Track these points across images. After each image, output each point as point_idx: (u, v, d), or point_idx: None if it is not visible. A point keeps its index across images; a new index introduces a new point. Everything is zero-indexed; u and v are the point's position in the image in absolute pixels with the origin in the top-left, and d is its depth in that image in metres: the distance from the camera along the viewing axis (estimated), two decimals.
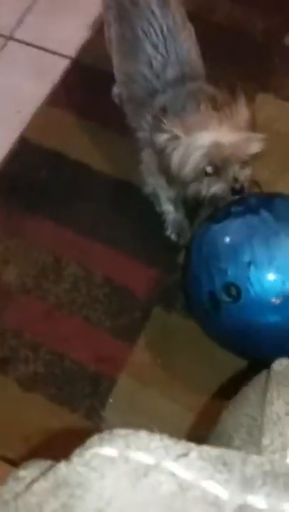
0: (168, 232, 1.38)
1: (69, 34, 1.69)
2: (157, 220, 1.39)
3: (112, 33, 1.30)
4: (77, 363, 1.28)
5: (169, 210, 1.36)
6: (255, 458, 0.34)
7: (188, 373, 1.24)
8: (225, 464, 0.33)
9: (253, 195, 1.16)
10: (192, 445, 0.35)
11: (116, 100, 1.54)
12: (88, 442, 0.35)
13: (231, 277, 1.04)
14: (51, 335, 1.31)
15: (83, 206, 1.46)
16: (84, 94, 1.61)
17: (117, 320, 1.32)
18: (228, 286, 1.05)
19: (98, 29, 1.68)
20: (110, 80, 1.48)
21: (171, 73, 1.18)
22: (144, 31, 1.19)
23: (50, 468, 0.34)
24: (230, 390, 0.67)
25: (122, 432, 0.36)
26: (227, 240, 1.09)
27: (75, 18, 1.72)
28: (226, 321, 1.10)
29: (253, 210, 1.07)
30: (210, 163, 1.07)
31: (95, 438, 0.35)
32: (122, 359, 1.28)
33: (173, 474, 0.33)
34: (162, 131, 1.08)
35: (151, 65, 1.19)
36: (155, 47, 1.18)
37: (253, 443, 0.47)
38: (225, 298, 1.06)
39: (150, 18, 1.19)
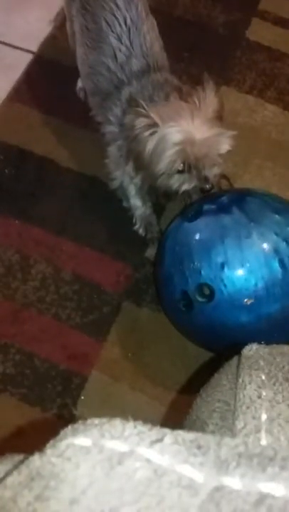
0: (136, 227, 1.38)
1: (31, 28, 1.67)
2: (124, 215, 1.38)
3: (75, 25, 1.29)
4: (48, 361, 1.26)
5: (136, 204, 1.35)
6: (229, 440, 0.34)
7: (159, 366, 1.25)
8: (199, 447, 0.33)
9: (224, 192, 1.16)
10: (166, 430, 0.35)
11: (80, 95, 1.52)
12: (62, 433, 0.35)
13: (205, 278, 1.04)
14: (20, 335, 1.29)
15: (50, 203, 1.44)
16: (47, 89, 1.59)
17: (87, 316, 1.31)
18: (201, 287, 1.05)
19: (60, 23, 1.66)
20: (74, 74, 1.46)
21: (135, 64, 1.18)
22: (107, 23, 1.18)
23: (24, 461, 0.34)
24: (200, 382, 0.67)
25: (96, 421, 0.36)
26: (200, 239, 1.08)
27: (37, 12, 1.69)
28: (198, 320, 1.10)
29: (225, 209, 1.08)
30: (182, 161, 1.07)
31: (69, 429, 0.35)
32: (93, 355, 1.27)
33: (148, 460, 0.33)
34: (140, 115, 1.07)
35: (115, 56, 1.18)
36: (119, 38, 1.18)
37: (227, 427, 0.47)
38: (198, 298, 1.06)
39: (114, 9, 1.18)
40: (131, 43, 1.18)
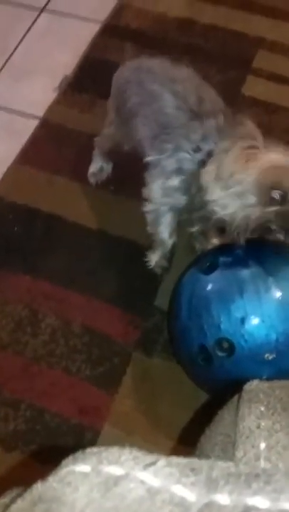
0: (151, 264, 1.35)
1: (37, 95, 1.77)
2: (131, 265, 1.41)
3: (127, 98, 1.27)
4: (59, 416, 1.24)
5: (164, 237, 1.30)
6: (221, 463, 0.35)
7: (173, 418, 1.21)
8: (193, 469, 0.34)
9: (239, 244, 1.11)
10: (161, 456, 0.36)
11: (91, 180, 1.56)
12: (63, 462, 0.36)
13: (224, 332, 1.02)
14: (31, 390, 1.28)
15: (58, 257, 1.47)
16: (53, 151, 1.67)
17: (97, 368, 1.30)
18: (220, 341, 1.03)
19: (64, 90, 1.77)
20: (77, 136, 1.54)
21: (210, 107, 1.15)
22: (169, 79, 1.19)
23: (27, 489, 0.35)
24: None
25: (95, 449, 0.37)
26: (218, 293, 1.06)
27: (42, 81, 1.81)
28: (218, 374, 1.07)
29: (242, 262, 1.06)
30: (280, 188, 0.96)
31: (70, 458, 0.37)
32: (105, 408, 1.25)
33: (142, 482, 0.35)
34: (245, 134, 1.02)
35: (186, 100, 1.15)
36: (185, 88, 1.16)
37: (228, 458, 0.47)
38: (218, 352, 1.04)
39: (169, 72, 1.21)
40: (197, 92, 1.16)
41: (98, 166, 1.55)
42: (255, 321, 1.01)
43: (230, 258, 1.09)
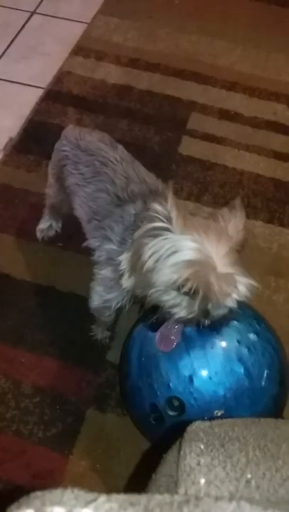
0: (97, 337, 1.39)
1: None
2: (80, 320, 1.41)
3: (67, 183, 1.30)
4: (11, 483, 1.19)
5: (107, 320, 1.33)
6: (159, 496, 0.37)
7: (129, 474, 1.19)
8: (131, 503, 0.36)
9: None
10: (102, 494, 0.38)
11: (38, 235, 1.58)
12: (8, 509, 0.37)
13: (174, 391, 1.03)
14: None
15: (6, 316, 1.45)
16: (1, 210, 1.68)
17: (50, 430, 1.27)
18: (170, 400, 1.04)
19: (10, 151, 1.81)
20: (23, 195, 1.57)
21: (136, 188, 1.16)
22: (100, 162, 1.21)
23: None
24: None
25: (39, 493, 0.38)
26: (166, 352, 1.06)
27: None
28: (169, 432, 1.06)
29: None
30: (191, 283, 0.90)
31: (14, 504, 0.37)
32: (59, 471, 1.21)
33: None
34: (159, 213, 0.93)
35: (113, 182, 1.17)
36: (114, 170, 1.19)
37: None
38: (169, 412, 1.04)
39: (102, 153, 1.23)
40: (126, 173, 1.18)
41: (47, 224, 1.58)
42: (203, 378, 1.02)
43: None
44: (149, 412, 1.08)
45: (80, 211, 1.27)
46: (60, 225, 1.59)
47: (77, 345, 1.40)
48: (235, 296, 0.93)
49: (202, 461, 0.51)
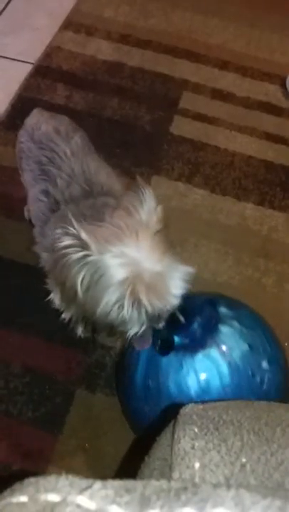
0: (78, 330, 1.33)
1: None
2: None
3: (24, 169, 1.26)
4: (1, 463, 1.19)
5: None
6: (154, 482, 0.37)
7: (118, 454, 1.20)
8: (127, 490, 0.36)
9: (195, 326, 1.05)
10: (97, 480, 0.37)
11: (26, 215, 1.51)
12: (1, 496, 0.36)
13: None
14: None
15: None
16: None
17: (40, 409, 1.27)
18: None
19: None
20: (13, 173, 1.53)
21: (76, 189, 1.09)
22: (47, 157, 1.15)
23: None
24: None
25: (33, 479, 0.39)
26: (175, 381, 1.02)
27: None
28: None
29: (200, 342, 1.02)
30: (130, 301, 0.86)
31: (7, 490, 0.37)
32: (49, 450, 1.21)
33: (78, 505, 0.36)
34: (67, 234, 0.86)
35: (56, 183, 1.11)
36: (59, 168, 1.12)
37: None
38: None
39: (52, 147, 1.16)
40: (72, 171, 1.12)
41: None
42: None
43: (188, 340, 1.03)
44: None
45: (37, 209, 1.17)
46: None
47: (67, 326, 1.39)
48: (176, 292, 0.89)
49: (196, 444, 0.51)
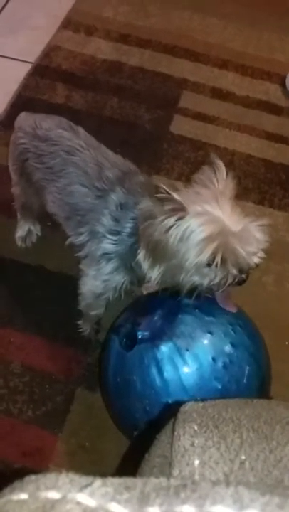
0: (85, 333, 1.36)
1: None
2: (69, 300, 1.40)
3: (34, 178, 1.24)
4: (1, 461, 1.19)
5: (95, 316, 1.31)
6: (154, 479, 0.38)
7: (118, 453, 1.20)
8: (127, 487, 0.37)
9: (155, 318, 1.08)
10: (97, 477, 0.38)
11: (18, 243, 1.52)
12: (1, 493, 0.37)
13: (151, 415, 1.02)
14: None
15: None
16: None
17: (40, 408, 1.27)
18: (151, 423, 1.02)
19: None
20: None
21: (110, 173, 1.12)
22: (65, 151, 1.15)
23: None
24: None
25: (33, 477, 0.39)
26: (140, 376, 1.04)
27: None
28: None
29: (160, 335, 1.04)
30: (216, 254, 0.94)
31: (8, 488, 0.37)
32: (49, 449, 1.22)
33: (78, 503, 0.36)
34: (164, 200, 0.93)
35: (86, 173, 1.13)
36: (83, 159, 1.14)
37: (164, 477, 0.48)
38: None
39: (65, 141, 1.17)
40: (95, 159, 1.14)
41: (25, 229, 1.50)
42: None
43: (148, 332, 1.05)
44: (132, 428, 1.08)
45: (55, 208, 1.21)
46: (38, 227, 1.51)
47: (67, 325, 1.39)
48: (259, 248, 0.98)
49: (196, 442, 0.51)
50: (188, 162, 1.77)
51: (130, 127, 1.84)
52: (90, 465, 1.19)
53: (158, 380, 1.01)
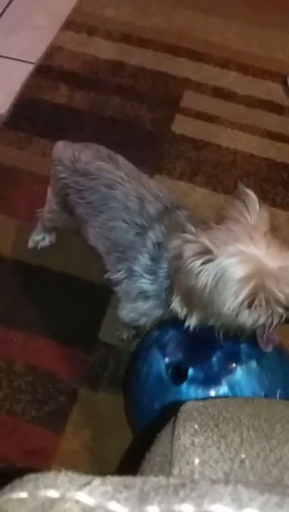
0: (123, 335, 1.34)
1: None
2: (72, 299, 1.41)
3: (77, 212, 1.21)
4: (4, 461, 1.20)
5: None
6: (153, 478, 0.38)
7: (122, 452, 1.21)
8: (126, 486, 0.37)
9: (213, 361, 1.02)
10: (96, 476, 0.38)
11: (31, 245, 1.51)
12: (1, 492, 0.37)
13: None
14: None
15: None
16: None
17: (43, 408, 1.28)
18: None
19: (0, 128, 1.78)
20: (15, 174, 1.53)
21: (152, 208, 1.09)
22: (106, 186, 1.13)
23: None
24: None
25: (32, 476, 0.39)
26: None
27: None
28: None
29: (214, 381, 0.98)
30: (255, 296, 0.89)
31: (7, 487, 0.37)
32: (52, 449, 1.22)
33: (77, 501, 0.36)
34: (187, 242, 0.90)
35: (127, 207, 1.09)
36: (124, 192, 1.11)
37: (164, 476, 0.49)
38: None
39: (106, 175, 1.14)
40: (137, 191, 1.10)
41: (41, 236, 1.50)
42: None
43: (202, 374, 0.99)
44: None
45: (96, 242, 1.19)
46: (54, 236, 1.51)
47: (70, 325, 1.40)
48: None
49: (196, 441, 0.52)
50: (190, 162, 1.77)
51: (132, 127, 1.84)
52: (93, 465, 1.20)
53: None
